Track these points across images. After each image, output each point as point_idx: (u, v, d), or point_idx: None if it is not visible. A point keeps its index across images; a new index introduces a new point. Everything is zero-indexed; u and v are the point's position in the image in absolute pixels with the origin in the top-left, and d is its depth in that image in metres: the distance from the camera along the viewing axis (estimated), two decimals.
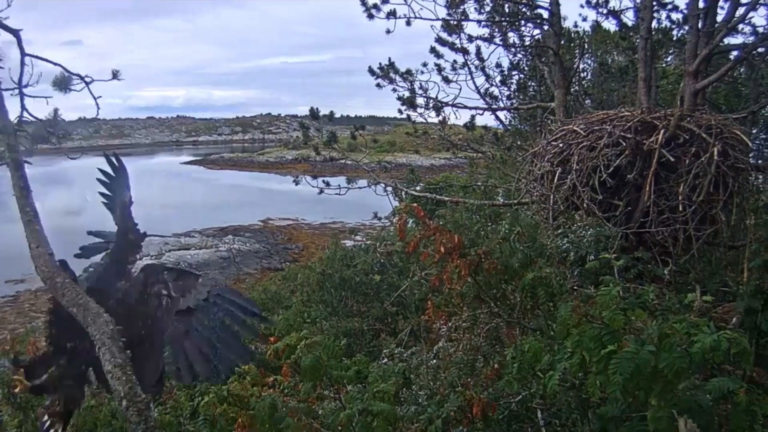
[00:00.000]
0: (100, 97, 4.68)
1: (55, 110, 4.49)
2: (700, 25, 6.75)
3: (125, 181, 4.24)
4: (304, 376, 3.59)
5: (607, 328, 2.62)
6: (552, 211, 5.99)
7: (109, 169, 4.29)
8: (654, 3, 7.68)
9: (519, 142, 10.74)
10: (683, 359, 2.44)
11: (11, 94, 4.32)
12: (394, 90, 10.53)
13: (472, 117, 10.77)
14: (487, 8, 9.62)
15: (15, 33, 4.30)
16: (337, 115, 11.27)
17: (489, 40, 9.91)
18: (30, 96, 4.39)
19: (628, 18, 9.72)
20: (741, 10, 6.72)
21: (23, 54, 4.36)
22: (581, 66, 11.21)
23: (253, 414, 3.43)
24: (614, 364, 2.46)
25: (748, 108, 7.91)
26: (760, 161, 7.96)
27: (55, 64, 4.37)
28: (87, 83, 4.56)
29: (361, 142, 11.98)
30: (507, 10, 9.69)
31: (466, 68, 10.08)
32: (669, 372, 2.42)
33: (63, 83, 4.44)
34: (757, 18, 7.57)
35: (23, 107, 4.39)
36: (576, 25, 10.86)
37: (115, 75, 4.73)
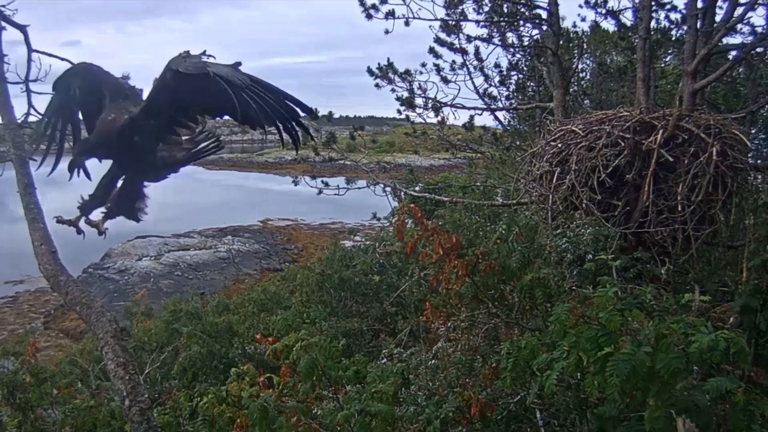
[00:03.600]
0: None
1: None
2: (698, 25, 6.75)
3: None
4: (302, 377, 3.59)
5: (604, 330, 2.62)
6: (551, 212, 5.99)
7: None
8: (652, 3, 7.68)
9: (518, 143, 10.74)
10: (680, 360, 2.44)
11: (21, 90, 4.31)
12: (393, 90, 10.53)
13: (471, 117, 10.78)
14: (486, 8, 9.62)
15: (22, 29, 4.29)
16: (336, 116, 11.28)
17: (488, 40, 9.90)
18: (37, 93, 4.37)
19: (627, 18, 9.73)
20: (739, 10, 6.73)
21: (30, 50, 4.34)
22: (580, 66, 11.21)
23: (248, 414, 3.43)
24: (611, 366, 2.46)
25: (747, 108, 7.90)
26: (758, 161, 7.95)
27: (62, 59, 4.36)
28: None
29: (360, 142, 11.99)
30: (506, 11, 9.69)
31: (465, 68, 10.08)
32: (666, 372, 2.42)
33: None
34: (756, 18, 7.56)
35: (30, 104, 4.37)
36: (575, 25, 10.88)
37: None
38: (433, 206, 10.55)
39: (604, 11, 9.88)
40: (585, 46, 11.37)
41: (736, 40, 7.75)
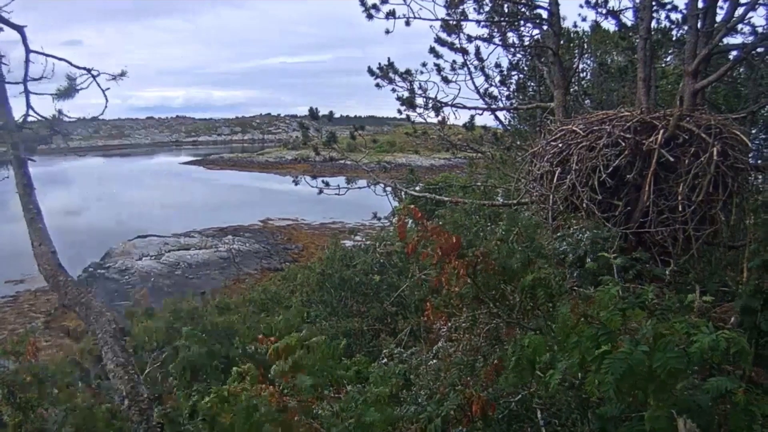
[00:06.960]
0: (108, 89, 4.70)
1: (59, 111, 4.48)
2: (699, 25, 6.75)
3: None
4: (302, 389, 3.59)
5: (604, 328, 2.62)
6: (551, 211, 5.99)
7: None
8: (653, 3, 7.68)
9: (518, 142, 10.73)
10: (678, 359, 2.43)
11: (18, 92, 4.32)
12: (394, 90, 10.53)
13: (472, 117, 10.77)
14: (487, 8, 9.63)
15: (19, 29, 4.30)
16: (337, 116, 11.25)
17: (488, 40, 9.91)
18: (35, 93, 4.39)
19: (628, 18, 9.74)
20: (740, 10, 6.72)
21: (28, 51, 4.36)
22: (580, 66, 11.21)
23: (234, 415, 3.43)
24: (607, 364, 2.46)
25: (748, 108, 7.90)
26: (759, 161, 7.96)
27: (60, 59, 4.37)
28: (94, 77, 4.56)
29: (361, 142, 11.96)
30: (506, 10, 9.69)
31: (466, 68, 10.08)
32: (662, 372, 2.41)
33: (68, 91, 4.44)
34: (757, 18, 7.57)
35: (29, 105, 4.38)
36: (575, 25, 10.88)
37: (122, 74, 4.74)
38: (433, 206, 10.55)
39: (604, 11, 9.89)
40: (586, 46, 11.36)
41: (736, 40, 7.76)
